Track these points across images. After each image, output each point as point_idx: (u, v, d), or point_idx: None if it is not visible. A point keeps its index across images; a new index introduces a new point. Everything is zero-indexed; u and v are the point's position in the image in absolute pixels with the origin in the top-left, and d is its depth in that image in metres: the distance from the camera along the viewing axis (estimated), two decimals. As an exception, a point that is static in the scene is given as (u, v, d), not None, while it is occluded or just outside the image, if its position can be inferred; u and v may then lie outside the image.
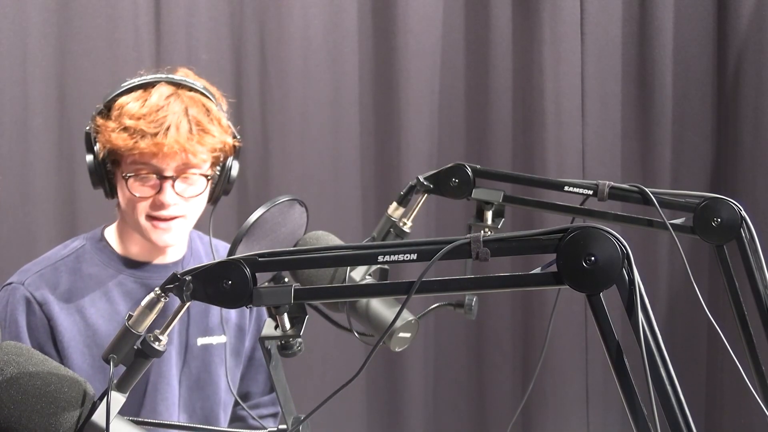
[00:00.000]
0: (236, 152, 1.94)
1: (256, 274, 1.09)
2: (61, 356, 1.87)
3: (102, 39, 2.81)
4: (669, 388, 1.01)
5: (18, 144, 2.73)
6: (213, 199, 1.95)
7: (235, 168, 1.94)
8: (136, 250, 1.96)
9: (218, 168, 1.92)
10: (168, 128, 1.81)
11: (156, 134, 1.80)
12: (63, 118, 2.80)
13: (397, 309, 1.42)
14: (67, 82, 2.80)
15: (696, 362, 3.28)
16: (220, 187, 1.93)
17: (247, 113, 2.98)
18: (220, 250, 2.07)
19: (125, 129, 1.81)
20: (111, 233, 1.98)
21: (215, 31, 2.94)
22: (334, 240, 1.43)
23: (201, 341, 2.00)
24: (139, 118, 1.81)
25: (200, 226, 2.04)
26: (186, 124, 1.83)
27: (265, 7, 2.98)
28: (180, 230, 1.91)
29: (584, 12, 3.19)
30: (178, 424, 1.74)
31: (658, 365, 1.01)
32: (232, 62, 2.98)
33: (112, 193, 1.89)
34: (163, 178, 1.84)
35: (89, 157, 1.87)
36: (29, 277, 1.90)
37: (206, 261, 2.01)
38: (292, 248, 1.31)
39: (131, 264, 1.95)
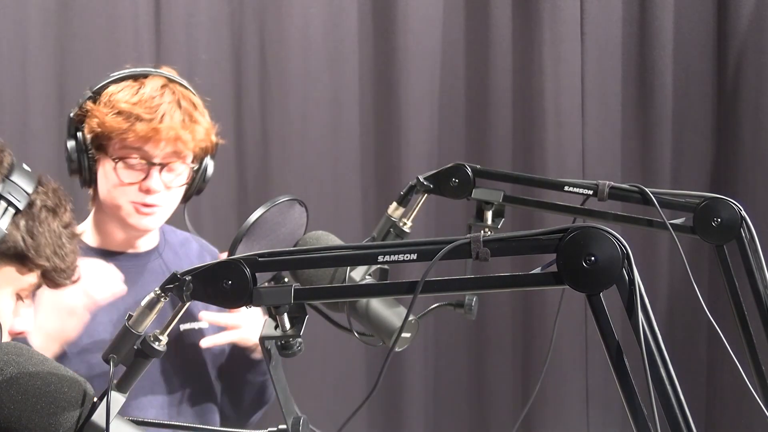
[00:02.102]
0: (214, 152, 1.98)
1: (256, 274, 1.09)
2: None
3: (102, 39, 2.81)
4: (669, 388, 1.01)
5: (18, 144, 2.72)
6: (186, 197, 1.97)
7: (210, 167, 1.97)
8: (109, 240, 1.97)
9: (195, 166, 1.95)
10: (163, 115, 1.85)
11: (152, 120, 1.84)
12: (63, 118, 2.78)
13: (397, 309, 1.43)
14: (67, 82, 2.80)
15: (696, 362, 3.28)
16: (195, 185, 1.96)
17: (247, 113, 2.98)
18: (191, 242, 2.09)
19: (120, 113, 1.85)
20: (82, 228, 1.99)
21: (215, 31, 2.94)
22: (334, 240, 1.43)
23: (184, 327, 2.00)
24: (134, 104, 1.85)
25: (175, 224, 2.05)
26: (179, 114, 1.87)
27: (265, 7, 2.98)
28: (159, 218, 1.93)
29: (584, 12, 3.19)
30: (178, 424, 1.73)
31: (658, 365, 1.01)
32: (232, 62, 2.98)
33: (90, 181, 1.91)
34: (151, 164, 1.86)
35: (71, 143, 1.89)
36: None
37: (179, 252, 2.04)
38: (292, 248, 1.31)
39: (102, 254, 1.96)
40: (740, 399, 3.12)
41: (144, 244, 2.00)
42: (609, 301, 1.01)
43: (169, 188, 1.89)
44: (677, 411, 1.01)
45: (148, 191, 1.87)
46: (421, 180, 1.62)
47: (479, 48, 3.19)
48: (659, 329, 1.02)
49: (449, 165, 1.63)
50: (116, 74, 1.90)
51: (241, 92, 2.98)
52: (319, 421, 1.70)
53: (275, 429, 1.18)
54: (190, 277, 1.09)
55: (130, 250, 1.99)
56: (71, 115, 1.90)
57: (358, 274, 1.41)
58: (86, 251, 1.96)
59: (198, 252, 2.09)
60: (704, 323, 3.19)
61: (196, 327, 2.02)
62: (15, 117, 2.74)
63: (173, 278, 1.09)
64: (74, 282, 1.40)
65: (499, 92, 3.19)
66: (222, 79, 2.92)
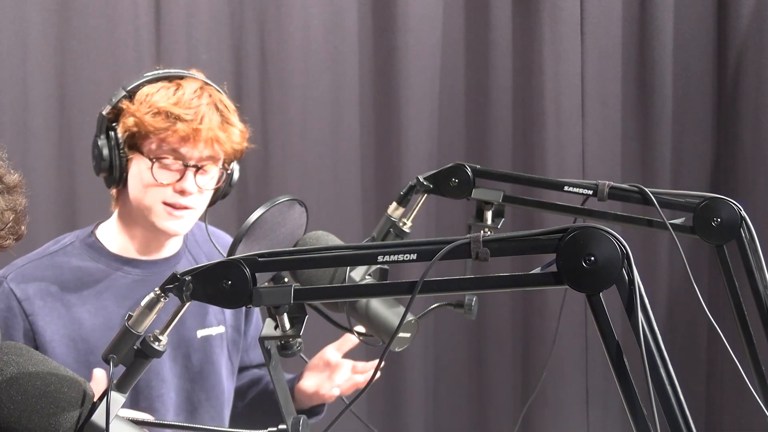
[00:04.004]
0: (242, 156, 1.97)
1: (256, 274, 1.09)
2: (40, 351, 1.86)
3: (102, 39, 2.81)
4: (669, 388, 1.01)
5: (18, 144, 2.73)
6: (212, 201, 1.95)
7: (237, 172, 1.97)
8: (132, 246, 1.95)
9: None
10: (203, 117, 1.85)
11: (192, 120, 1.83)
12: (63, 118, 2.80)
13: (397, 309, 1.43)
14: (67, 82, 2.80)
15: (696, 362, 3.28)
16: (222, 189, 1.95)
17: (247, 113, 2.97)
18: (219, 237, 2.08)
19: (159, 112, 1.84)
20: (104, 231, 1.97)
21: (215, 31, 2.94)
22: (334, 240, 1.43)
23: (201, 333, 2.00)
24: (174, 104, 1.84)
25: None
26: (217, 116, 1.87)
27: (265, 7, 2.98)
28: (189, 221, 1.91)
29: (584, 12, 3.19)
30: (178, 424, 1.73)
31: (658, 365, 1.01)
32: (232, 62, 2.98)
33: (119, 180, 1.89)
34: (187, 166, 1.85)
35: (102, 141, 1.87)
36: (13, 271, 1.90)
37: (203, 249, 2.04)
38: (292, 248, 1.31)
39: (122, 260, 1.95)
40: (740, 399, 3.12)
41: (167, 250, 1.99)
42: (609, 301, 1.01)
43: (202, 191, 1.88)
44: (677, 411, 1.01)
45: (182, 192, 1.86)
46: (421, 180, 1.62)
47: (479, 48, 3.19)
48: (659, 329, 1.02)
49: (449, 165, 1.63)
50: (150, 74, 1.89)
51: (241, 92, 2.98)
52: (320, 421, 1.70)
53: (275, 429, 1.18)
54: (189, 277, 1.09)
55: (153, 257, 1.97)
56: (103, 112, 1.88)
57: (358, 274, 1.40)
58: (101, 253, 1.96)
59: (224, 247, 2.05)
60: (704, 323, 3.19)
61: (214, 333, 2.02)
62: (15, 117, 2.74)
63: (173, 278, 1.09)
64: (18, 238, 1.23)
65: (499, 92, 3.19)
66: (222, 79, 2.91)
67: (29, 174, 2.72)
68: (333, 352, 2.02)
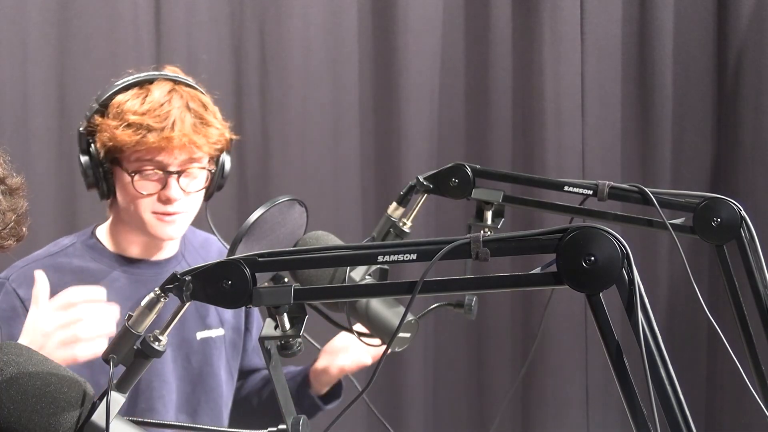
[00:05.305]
0: (230, 148, 1.96)
1: (256, 274, 1.09)
2: None
3: (102, 39, 2.81)
4: (669, 388, 1.01)
5: (18, 144, 2.73)
6: (207, 195, 1.95)
7: (228, 163, 1.95)
8: (130, 249, 1.95)
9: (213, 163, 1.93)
10: (174, 122, 1.82)
11: (163, 129, 1.81)
12: (63, 118, 2.80)
13: (397, 309, 1.43)
14: (67, 82, 2.80)
15: (696, 362, 3.28)
16: (215, 182, 1.94)
17: (247, 113, 2.98)
18: (213, 244, 2.07)
19: (129, 125, 1.82)
20: (103, 232, 1.98)
21: (215, 31, 2.94)
22: (334, 240, 1.43)
23: (200, 335, 2.00)
24: (143, 114, 1.82)
25: (197, 222, 2.04)
26: (190, 118, 1.84)
27: (265, 7, 2.98)
28: (182, 224, 1.91)
29: (584, 12, 3.19)
30: (178, 424, 1.73)
31: (658, 365, 1.00)
32: (232, 62, 2.98)
33: (108, 193, 1.89)
34: (168, 173, 1.84)
35: (84, 158, 1.87)
36: (15, 272, 1.90)
37: (200, 254, 2.04)
38: (292, 248, 1.31)
39: (124, 261, 1.95)
40: (740, 399, 3.12)
41: (165, 252, 1.99)
42: (609, 301, 1.01)
43: (188, 194, 1.88)
44: (677, 411, 1.01)
45: (168, 200, 1.85)
46: (421, 180, 1.62)
47: (479, 48, 3.19)
48: (659, 329, 1.02)
49: (449, 165, 1.63)
50: (121, 82, 1.87)
51: (241, 92, 2.98)
52: (320, 421, 1.70)
53: (275, 429, 1.18)
54: (189, 277, 1.09)
55: (154, 257, 1.97)
56: (80, 129, 1.88)
57: (358, 274, 1.40)
58: (103, 254, 1.96)
59: (219, 253, 2.07)
60: (704, 323, 3.19)
61: (213, 335, 2.02)
62: (15, 117, 2.74)
63: (173, 278, 1.09)
64: (19, 239, 1.26)
65: (499, 92, 3.19)
66: (222, 79, 2.92)
67: (29, 174, 2.73)
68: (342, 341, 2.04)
